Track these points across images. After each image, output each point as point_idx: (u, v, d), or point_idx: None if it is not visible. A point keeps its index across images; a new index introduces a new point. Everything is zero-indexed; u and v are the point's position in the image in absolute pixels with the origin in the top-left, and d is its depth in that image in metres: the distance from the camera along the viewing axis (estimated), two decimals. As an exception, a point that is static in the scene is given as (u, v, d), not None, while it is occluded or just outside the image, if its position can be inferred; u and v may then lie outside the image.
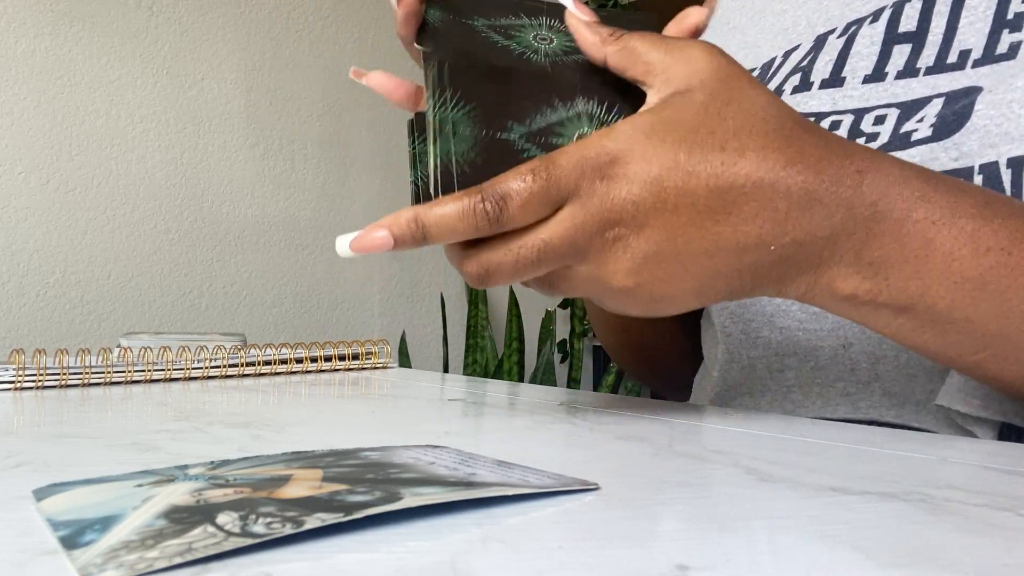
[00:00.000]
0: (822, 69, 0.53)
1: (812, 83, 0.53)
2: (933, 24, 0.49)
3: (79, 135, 1.83)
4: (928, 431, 0.44)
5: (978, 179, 0.42)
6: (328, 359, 0.71)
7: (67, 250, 1.81)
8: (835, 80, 0.52)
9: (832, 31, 0.55)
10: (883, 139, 0.47)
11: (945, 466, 0.32)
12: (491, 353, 2.21)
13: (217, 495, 0.25)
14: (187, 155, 1.96)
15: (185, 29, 1.95)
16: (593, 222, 0.35)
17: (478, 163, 0.37)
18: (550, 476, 0.28)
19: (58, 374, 0.60)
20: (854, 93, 0.50)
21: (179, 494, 0.25)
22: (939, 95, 0.46)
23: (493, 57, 0.39)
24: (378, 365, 0.75)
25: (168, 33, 1.93)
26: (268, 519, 0.22)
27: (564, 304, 2.42)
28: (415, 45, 0.40)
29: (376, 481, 0.26)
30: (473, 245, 0.37)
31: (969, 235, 0.35)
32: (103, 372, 0.61)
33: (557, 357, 2.36)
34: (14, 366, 0.58)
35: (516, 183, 0.35)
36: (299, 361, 0.70)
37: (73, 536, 0.21)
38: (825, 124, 0.50)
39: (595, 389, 2.33)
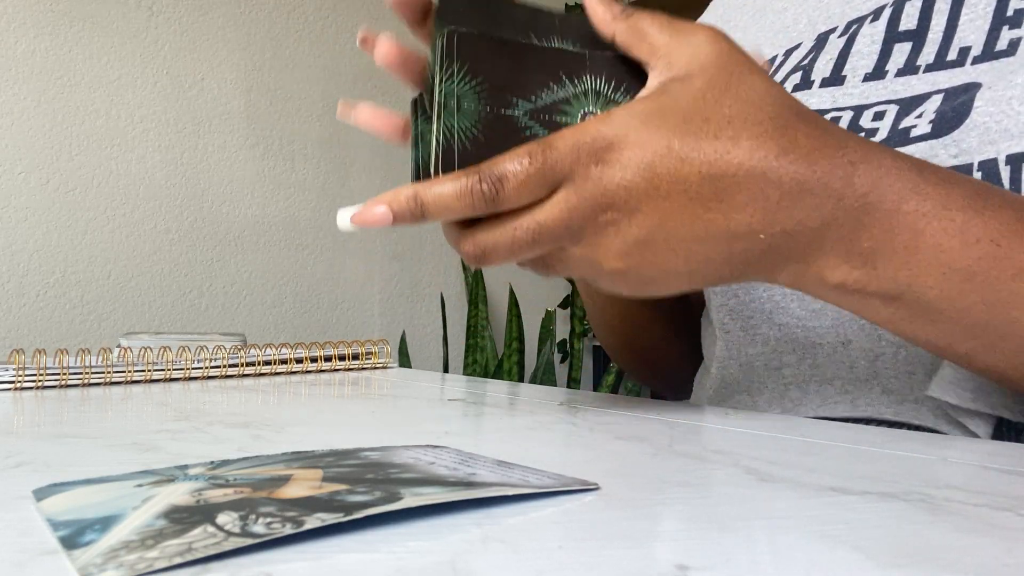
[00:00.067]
0: (823, 68, 0.53)
1: (813, 82, 0.53)
2: (933, 22, 0.49)
3: (79, 135, 1.83)
4: (927, 428, 0.44)
5: (977, 176, 0.42)
6: (328, 359, 0.71)
7: (67, 250, 1.82)
8: (836, 78, 0.52)
9: (833, 30, 0.55)
10: (882, 135, 0.47)
11: (945, 466, 0.32)
12: (491, 353, 2.21)
13: (217, 495, 0.25)
14: (187, 155, 1.96)
15: (185, 29, 1.95)
16: (587, 206, 0.36)
17: (480, 140, 0.37)
18: (550, 476, 0.28)
19: (58, 374, 0.60)
20: (854, 91, 0.50)
21: (179, 494, 0.25)
22: (938, 91, 0.46)
23: (505, 30, 0.39)
24: (378, 365, 0.75)
25: (168, 33, 1.93)
26: (268, 519, 0.22)
27: (564, 304, 2.42)
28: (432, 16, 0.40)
29: (376, 481, 0.26)
30: (470, 225, 0.38)
31: (959, 227, 0.36)
32: (103, 372, 0.61)
33: (557, 357, 2.36)
34: (14, 366, 0.58)
35: (513, 165, 0.35)
36: (299, 361, 0.70)
37: (73, 536, 0.21)
38: None
39: (595, 389, 2.33)
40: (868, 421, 0.46)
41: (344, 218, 0.38)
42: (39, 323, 1.78)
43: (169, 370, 0.64)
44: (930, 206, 0.36)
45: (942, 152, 0.44)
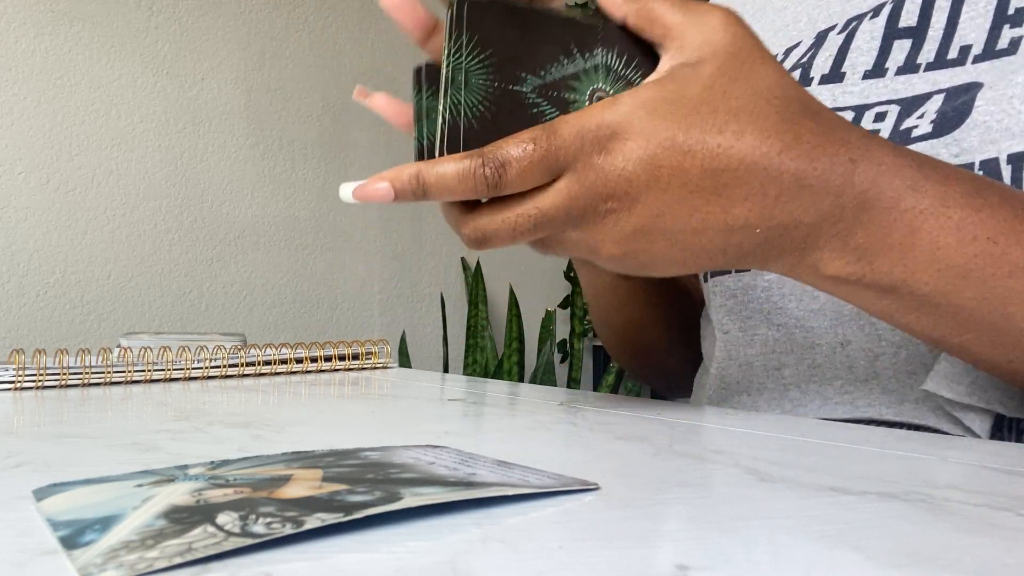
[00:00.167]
0: (822, 64, 0.53)
1: (812, 79, 0.53)
2: (934, 19, 0.49)
3: (79, 135, 1.83)
4: (927, 428, 0.44)
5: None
6: (328, 359, 0.71)
7: (67, 250, 1.81)
8: (835, 75, 0.52)
9: (832, 27, 0.55)
10: (883, 135, 0.47)
11: (945, 466, 0.32)
12: (491, 353, 2.21)
13: (217, 495, 0.25)
14: (187, 155, 1.96)
15: (185, 29, 1.95)
16: (588, 195, 0.36)
17: (487, 117, 0.37)
18: (550, 476, 0.28)
19: (58, 374, 0.60)
20: (854, 89, 0.50)
21: (179, 494, 0.25)
22: (939, 91, 0.46)
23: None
24: (378, 365, 0.75)
25: (168, 33, 1.93)
26: (268, 519, 0.22)
27: (564, 304, 2.42)
28: None
29: (376, 481, 0.26)
30: (472, 208, 0.38)
31: (956, 224, 0.36)
32: (103, 372, 0.61)
33: (557, 357, 2.36)
34: (14, 366, 0.58)
35: (516, 150, 0.36)
36: (299, 361, 0.70)
37: (73, 536, 0.21)
38: None
39: (595, 389, 2.33)
40: (868, 422, 0.46)
41: (347, 191, 0.39)
42: (39, 323, 1.78)
43: (169, 370, 0.64)
44: (928, 203, 0.36)
45: (943, 151, 0.44)
